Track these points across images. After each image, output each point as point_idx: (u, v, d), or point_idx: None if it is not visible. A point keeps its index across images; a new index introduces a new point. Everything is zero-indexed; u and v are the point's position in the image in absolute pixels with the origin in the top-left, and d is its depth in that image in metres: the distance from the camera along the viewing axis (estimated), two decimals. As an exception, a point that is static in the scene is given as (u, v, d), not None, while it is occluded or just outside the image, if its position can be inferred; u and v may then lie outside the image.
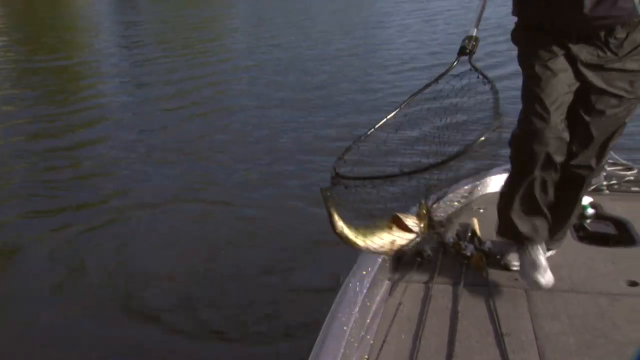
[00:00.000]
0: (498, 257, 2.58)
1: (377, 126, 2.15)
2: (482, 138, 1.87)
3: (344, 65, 10.93)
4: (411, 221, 1.82)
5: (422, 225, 1.84)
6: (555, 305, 2.24)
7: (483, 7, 2.30)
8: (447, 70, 2.11)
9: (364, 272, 2.34)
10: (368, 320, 2.18)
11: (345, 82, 9.61)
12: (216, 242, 4.66)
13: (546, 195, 2.25)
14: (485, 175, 3.26)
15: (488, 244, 2.65)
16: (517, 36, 2.31)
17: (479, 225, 2.80)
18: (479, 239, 2.70)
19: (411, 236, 1.81)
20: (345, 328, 1.99)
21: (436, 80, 2.10)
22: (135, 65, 12.25)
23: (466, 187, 3.16)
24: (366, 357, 2.01)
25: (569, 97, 2.15)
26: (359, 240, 1.78)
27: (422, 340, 2.10)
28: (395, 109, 2.15)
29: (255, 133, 7.29)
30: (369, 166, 2.33)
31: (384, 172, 2.10)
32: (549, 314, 2.19)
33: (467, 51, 2.16)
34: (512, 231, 2.34)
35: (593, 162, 2.29)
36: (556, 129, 2.10)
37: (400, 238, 1.80)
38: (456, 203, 3.05)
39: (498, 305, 2.25)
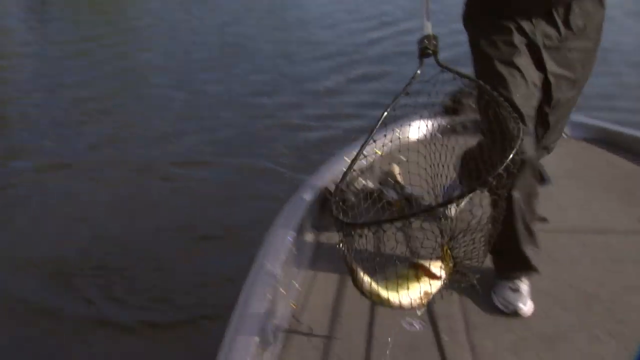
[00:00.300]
0: (418, 200, 2.64)
1: (357, 158, 1.88)
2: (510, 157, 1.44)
3: (261, 24, 10.75)
4: (435, 267, 1.55)
5: (446, 268, 1.56)
6: (472, 240, 2.32)
7: (428, 1, 2.00)
8: (413, 78, 1.86)
9: (290, 221, 2.34)
10: (295, 268, 2.18)
11: (261, 39, 9.47)
12: (130, 206, 4.44)
13: (532, 211, 2.02)
14: (407, 124, 3.30)
15: (409, 190, 2.70)
16: (469, 21, 2.09)
17: (400, 171, 2.84)
18: (400, 185, 2.75)
19: (439, 283, 1.54)
20: (272, 276, 1.99)
21: (404, 90, 1.84)
22: (44, 23, 11.57)
23: (386, 135, 3.19)
24: (293, 302, 2.02)
25: (539, 94, 1.98)
26: (392, 298, 1.49)
27: (348, 284, 2.12)
28: (370, 135, 1.89)
29: (171, 92, 7.09)
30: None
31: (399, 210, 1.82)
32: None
33: (431, 52, 1.86)
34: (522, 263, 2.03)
35: (550, 144, 2.22)
36: (533, 134, 1.97)
37: (431, 287, 1.53)
38: (377, 151, 3.08)
39: (421, 250, 2.30)
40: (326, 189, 2.66)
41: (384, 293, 1.50)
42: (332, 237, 2.44)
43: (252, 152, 5.27)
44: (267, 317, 1.81)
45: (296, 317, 1.94)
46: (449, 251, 1.58)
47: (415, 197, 2.67)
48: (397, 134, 3.25)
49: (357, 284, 1.48)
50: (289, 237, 2.23)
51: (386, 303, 1.52)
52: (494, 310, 1.96)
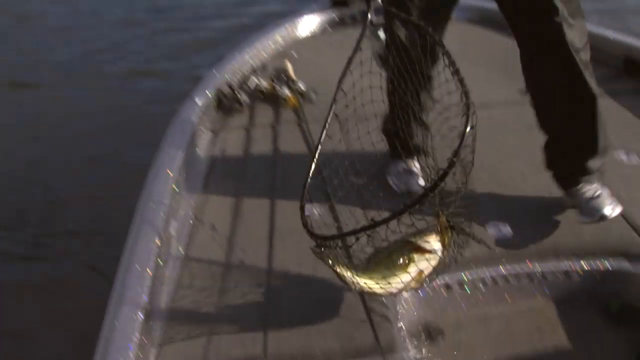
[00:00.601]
0: (312, 94, 2.66)
1: (317, 152, 1.62)
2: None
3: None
4: (432, 242, 1.41)
5: (444, 240, 1.41)
6: (366, 128, 2.38)
7: None
8: (364, 31, 1.62)
9: (184, 125, 2.30)
10: (193, 169, 2.17)
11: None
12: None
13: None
14: (296, 19, 3.25)
15: (301, 84, 2.71)
16: None
17: (292, 67, 2.82)
18: (292, 80, 2.74)
19: (437, 258, 1.41)
20: (170, 178, 1.96)
21: (357, 47, 1.60)
22: None
23: (278, 31, 3.14)
24: (193, 205, 2.02)
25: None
26: (385, 288, 1.38)
27: (247, 182, 2.14)
28: (328, 116, 1.61)
29: (45, 7, 6.56)
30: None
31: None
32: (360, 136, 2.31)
33: None
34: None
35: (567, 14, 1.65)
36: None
37: (427, 268, 1.40)
38: (268, 48, 3.04)
39: (315, 137, 2.33)
40: (219, 90, 2.62)
41: (374, 286, 1.39)
42: (228, 137, 2.44)
43: (134, 59, 5.06)
44: (168, 219, 1.81)
45: (198, 218, 1.95)
46: (444, 219, 1.43)
47: (309, 92, 2.68)
48: (288, 30, 3.21)
49: (346, 284, 1.39)
50: (186, 138, 2.19)
51: (381, 296, 1.44)
52: (386, 186, 2.03)
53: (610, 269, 1.66)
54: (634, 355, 1.52)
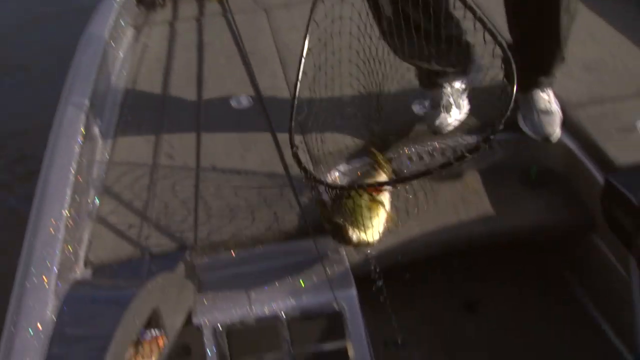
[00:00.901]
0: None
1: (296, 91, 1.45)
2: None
3: None
4: (382, 178, 1.46)
5: (387, 172, 1.47)
6: (291, 17, 2.32)
7: None
8: None
9: (104, 22, 2.19)
10: (115, 70, 2.09)
11: None
12: None
13: None
14: None
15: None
16: None
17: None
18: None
19: (389, 191, 1.45)
20: (90, 80, 1.89)
21: None
22: None
23: None
24: (118, 103, 1.96)
25: None
26: (376, 237, 1.38)
27: (173, 77, 2.08)
28: (299, 66, 1.43)
29: None
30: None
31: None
32: (287, 27, 2.26)
33: None
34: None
35: None
36: None
37: (389, 199, 1.44)
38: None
39: (241, 28, 2.27)
40: None
41: (370, 238, 1.39)
42: (152, 32, 2.36)
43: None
44: (90, 119, 1.75)
45: (123, 116, 1.90)
46: (378, 155, 1.48)
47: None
48: None
49: (349, 241, 1.37)
50: (106, 36, 2.10)
51: (376, 242, 1.42)
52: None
53: (528, 136, 1.71)
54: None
